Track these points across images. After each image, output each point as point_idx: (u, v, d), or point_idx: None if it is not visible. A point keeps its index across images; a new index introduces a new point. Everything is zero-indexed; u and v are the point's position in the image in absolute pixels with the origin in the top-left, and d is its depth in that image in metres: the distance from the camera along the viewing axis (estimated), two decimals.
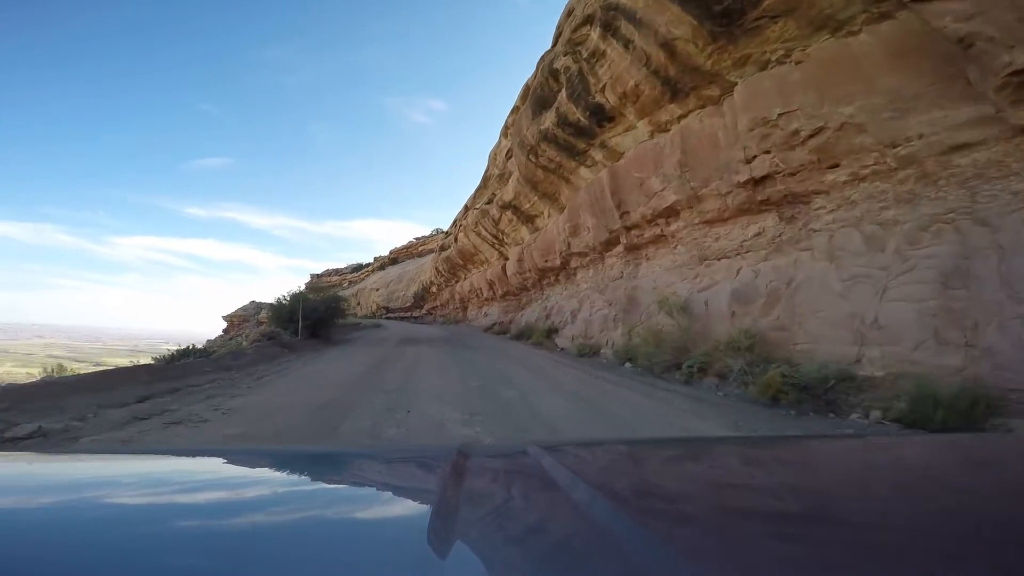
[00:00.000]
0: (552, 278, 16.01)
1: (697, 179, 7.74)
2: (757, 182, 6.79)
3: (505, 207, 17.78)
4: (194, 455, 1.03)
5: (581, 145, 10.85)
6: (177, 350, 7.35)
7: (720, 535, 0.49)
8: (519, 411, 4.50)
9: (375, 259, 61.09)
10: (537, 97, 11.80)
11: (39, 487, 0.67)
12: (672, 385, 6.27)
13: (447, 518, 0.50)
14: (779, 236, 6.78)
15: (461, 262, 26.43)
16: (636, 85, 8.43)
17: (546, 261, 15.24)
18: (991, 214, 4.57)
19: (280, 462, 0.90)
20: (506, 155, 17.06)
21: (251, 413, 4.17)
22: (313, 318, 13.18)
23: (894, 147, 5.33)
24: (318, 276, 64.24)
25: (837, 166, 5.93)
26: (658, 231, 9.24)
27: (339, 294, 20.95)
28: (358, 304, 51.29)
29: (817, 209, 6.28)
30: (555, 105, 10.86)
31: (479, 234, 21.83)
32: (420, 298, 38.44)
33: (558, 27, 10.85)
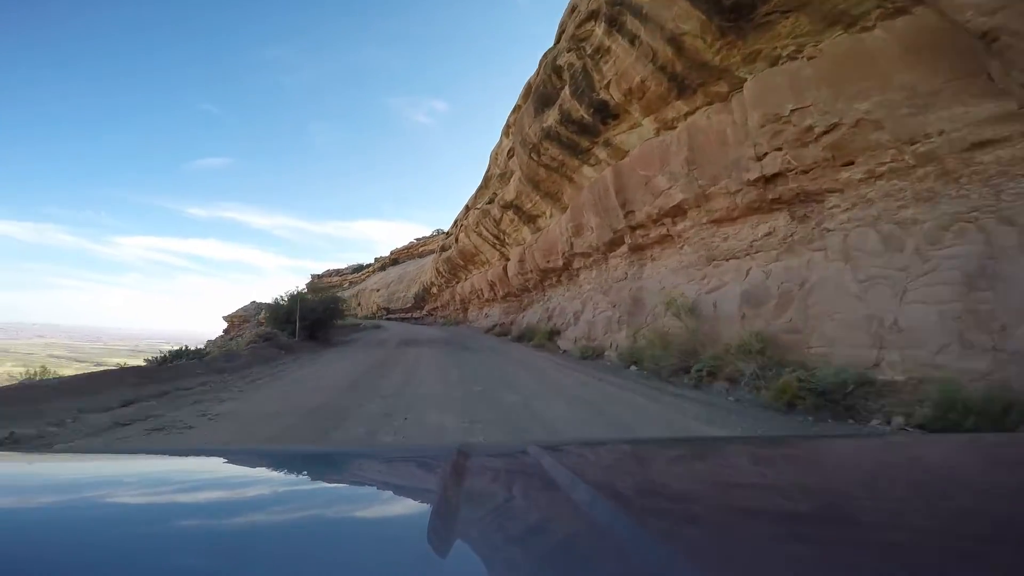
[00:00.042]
0: (554, 279, 15.80)
1: (705, 177, 7.54)
2: (768, 180, 6.59)
3: (506, 207, 17.59)
4: (194, 455, 1.04)
5: (585, 143, 10.65)
6: (170, 351, 7.13)
7: (722, 535, 0.48)
8: (522, 418, 4.29)
9: (376, 260, 60.95)
10: (540, 95, 11.60)
11: (39, 487, 0.67)
12: (681, 389, 6.05)
13: (447, 517, 0.50)
14: (791, 236, 6.57)
15: (462, 263, 26.24)
16: (642, 81, 8.25)
17: (548, 262, 15.03)
18: (1017, 212, 4.39)
19: (280, 462, 0.91)
20: (507, 154, 16.88)
21: (239, 419, 3.96)
22: (311, 319, 12.97)
23: (912, 144, 5.16)
24: (318, 276, 64.05)
25: (852, 163, 5.75)
26: (664, 231, 9.02)
27: (339, 295, 20.78)
28: (358, 305, 51.16)
29: (831, 208, 6.07)
30: (558, 102, 10.67)
31: (480, 234, 21.65)
32: (420, 299, 38.28)
33: (561, 24, 10.67)
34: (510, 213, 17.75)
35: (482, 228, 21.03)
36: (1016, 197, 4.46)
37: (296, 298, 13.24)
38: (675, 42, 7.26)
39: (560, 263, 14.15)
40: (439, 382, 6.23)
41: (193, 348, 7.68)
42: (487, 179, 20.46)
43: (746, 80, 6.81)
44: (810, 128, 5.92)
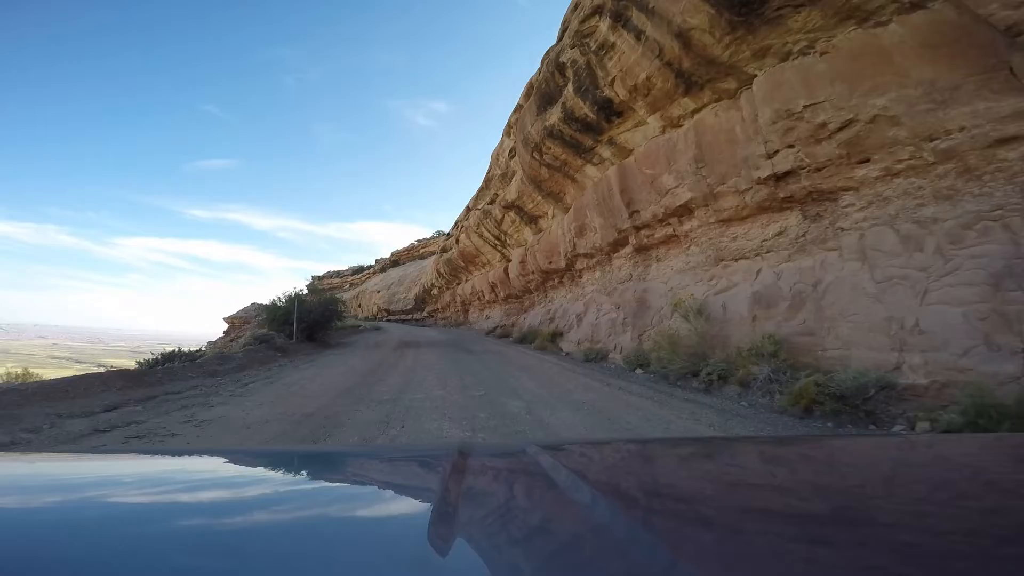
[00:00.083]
0: (556, 280, 15.60)
1: (713, 175, 7.34)
2: (779, 178, 6.38)
3: (508, 207, 17.42)
4: (195, 455, 1.06)
5: (588, 142, 10.46)
6: (162, 353, 6.93)
7: (723, 535, 0.48)
8: (526, 426, 4.07)
9: (376, 261, 60.83)
10: (542, 93, 11.41)
11: (40, 487, 0.66)
12: (691, 394, 5.82)
13: (448, 516, 0.50)
14: (803, 235, 6.36)
15: (463, 264, 26.06)
16: (647, 78, 8.07)
17: (550, 263, 14.82)
18: None
19: (280, 461, 0.90)
20: (509, 154, 16.71)
21: (226, 426, 3.75)
22: (309, 320, 12.76)
23: (931, 140, 5.00)
24: (319, 278, 63.90)
25: (868, 161, 5.56)
26: (670, 231, 8.81)
27: (340, 296, 20.60)
28: (359, 306, 51.04)
29: (846, 206, 5.87)
30: (561, 100, 10.48)
31: (481, 235, 21.47)
32: (421, 300, 38.12)
33: (564, 21, 10.50)
34: (511, 214, 17.57)
35: (483, 229, 20.85)
36: None
37: (294, 299, 13.02)
38: (682, 37, 7.10)
39: (562, 264, 13.94)
40: (438, 387, 6.00)
41: (187, 350, 7.46)
42: (488, 180, 20.30)
43: (755, 76, 6.64)
44: (824, 124, 5.74)
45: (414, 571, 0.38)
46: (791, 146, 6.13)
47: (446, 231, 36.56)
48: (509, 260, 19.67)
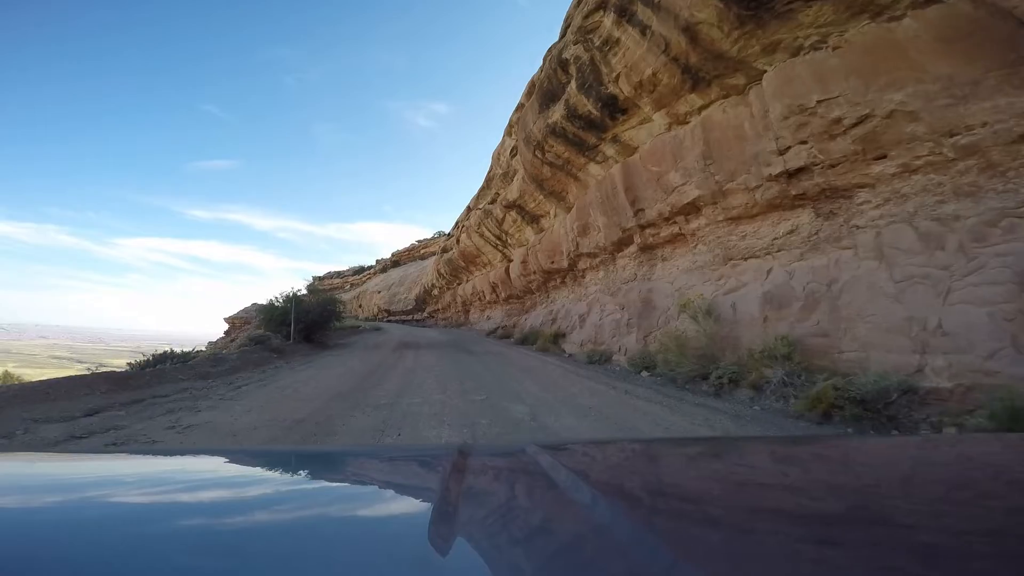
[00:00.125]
0: (558, 280, 15.39)
1: (722, 172, 7.14)
2: (791, 175, 6.19)
3: (509, 207, 17.23)
4: (195, 455, 1.07)
5: (592, 139, 10.26)
6: (153, 354, 6.72)
7: (724, 536, 0.47)
8: (531, 434, 3.86)
9: (377, 262, 60.66)
10: (544, 90, 11.22)
11: (40, 486, 0.66)
12: (701, 398, 5.60)
13: (448, 516, 0.50)
14: (816, 233, 6.16)
15: (463, 264, 25.88)
16: (653, 74, 7.88)
17: (552, 263, 14.62)
18: None
19: (282, 461, 0.90)
20: (510, 153, 16.53)
21: (212, 433, 3.55)
22: (307, 321, 12.54)
23: (952, 136, 4.85)
24: (320, 278, 63.72)
25: (885, 157, 5.39)
26: (676, 229, 8.60)
27: (340, 296, 20.40)
28: (359, 307, 50.89)
29: (861, 204, 5.68)
30: (564, 97, 10.29)
31: (482, 235, 21.28)
32: (422, 301, 37.95)
33: (567, 17, 10.31)
34: (513, 213, 17.39)
35: (484, 229, 20.67)
36: None
37: (291, 299, 12.81)
38: (690, 32, 6.93)
39: (565, 264, 13.74)
40: (438, 390, 5.78)
41: (180, 351, 7.26)
42: (489, 179, 20.12)
43: (765, 72, 6.48)
44: (838, 120, 5.56)
45: (415, 570, 0.38)
46: (804, 142, 5.95)
47: (447, 232, 36.39)
48: (510, 260, 19.48)
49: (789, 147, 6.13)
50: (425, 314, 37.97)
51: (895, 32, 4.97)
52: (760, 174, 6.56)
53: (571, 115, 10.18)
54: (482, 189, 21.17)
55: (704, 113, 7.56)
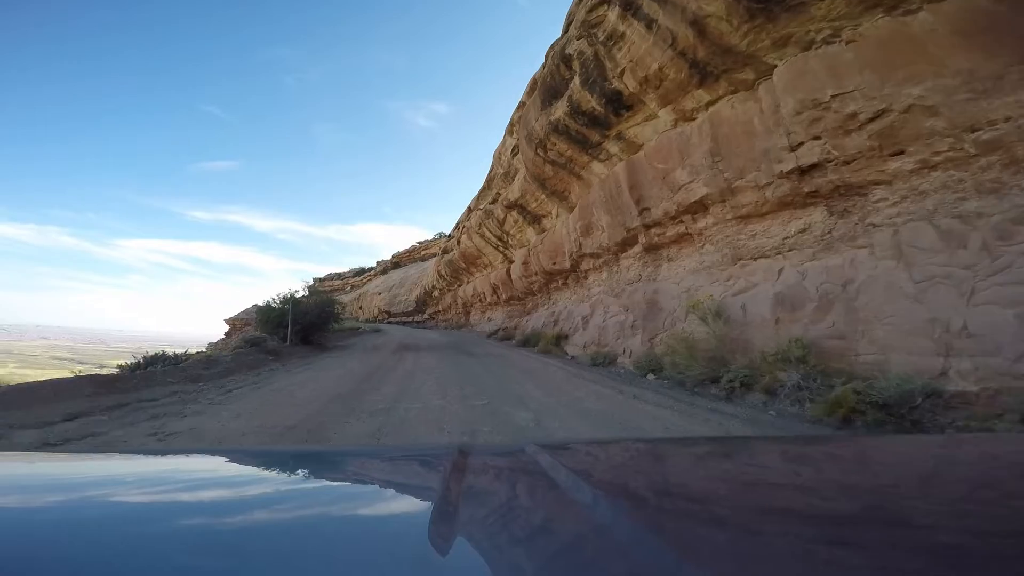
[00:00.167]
0: (560, 281, 15.18)
1: (731, 170, 6.93)
2: (803, 172, 5.99)
3: (510, 207, 17.02)
4: (195, 455, 1.13)
5: (595, 137, 10.06)
6: (144, 356, 6.53)
7: (724, 536, 0.46)
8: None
9: (377, 263, 60.48)
10: (547, 87, 11.02)
11: (40, 487, 0.65)
12: (712, 403, 5.37)
13: (448, 515, 0.50)
14: (829, 232, 5.95)
15: (464, 265, 25.68)
16: (659, 69, 7.69)
17: (554, 263, 14.41)
18: None
19: (282, 461, 0.89)
20: (512, 152, 16.33)
21: (196, 440, 3.34)
22: (304, 322, 12.32)
23: (973, 131, 4.68)
24: (320, 280, 63.54)
25: (902, 153, 5.19)
26: (683, 228, 8.38)
27: (340, 298, 20.19)
28: (360, 308, 50.71)
29: (877, 201, 5.47)
30: (567, 94, 10.09)
31: (483, 236, 21.08)
32: (422, 302, 37.76)
33: (570, 13, 10.13)
34: (514, 213, 17.18)
35: (485, 229, 20.46)
36: None
37: (289, 300, 12.59)
38: (697, 25, 6.75)
39: (567, 265, 13.52)
40: (437, 395, 5.57)
41: (173, 353, 7.07)
42: (490, 179, 19.93)
43: (776, 66, 6.30)
44: (854, 115, 5.37)
45: (415, 570, 0.38)
46: (817, 138, 5.75)
47: (447, 233, 36.21)
48: (511, 261, 19.29)
49: (801, 143, 5.93)
50: (426, 316, 37.78)
51: (911, 26, 4.82)
52: (770, 171, 6.35)
53: (574, 112, 9.98)
54: (483, 189, 20.97)
55: (712, 109, 7.36)
